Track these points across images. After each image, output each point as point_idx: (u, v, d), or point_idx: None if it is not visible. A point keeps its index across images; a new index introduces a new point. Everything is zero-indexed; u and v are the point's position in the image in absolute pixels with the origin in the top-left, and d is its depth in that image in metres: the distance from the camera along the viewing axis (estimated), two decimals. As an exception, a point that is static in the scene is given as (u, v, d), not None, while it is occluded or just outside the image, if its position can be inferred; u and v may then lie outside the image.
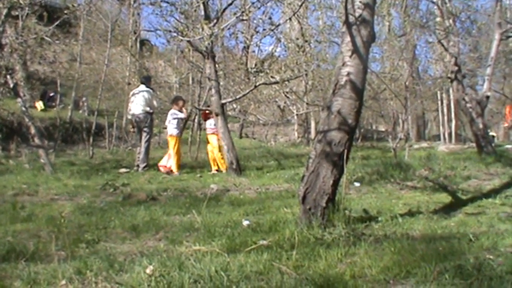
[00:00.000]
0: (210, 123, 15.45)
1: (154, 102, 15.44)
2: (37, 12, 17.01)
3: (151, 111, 15.11)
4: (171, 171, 14.14)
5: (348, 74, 6.33)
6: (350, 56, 6.39)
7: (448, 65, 17.56)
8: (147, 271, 4.21)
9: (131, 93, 15.91)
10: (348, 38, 6.40)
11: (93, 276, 4.31)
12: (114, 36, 23.60)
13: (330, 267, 4.53)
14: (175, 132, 14.66)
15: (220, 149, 14.88)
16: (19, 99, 14.44)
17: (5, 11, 13.54)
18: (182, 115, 15.13)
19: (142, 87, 15.37)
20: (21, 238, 6.11)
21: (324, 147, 6.26)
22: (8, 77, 14.33)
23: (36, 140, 14.30)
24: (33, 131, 14.28)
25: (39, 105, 25.79)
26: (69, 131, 23.42)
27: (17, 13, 15.53)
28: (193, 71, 22.90)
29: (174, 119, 14.74)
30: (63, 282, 4.21)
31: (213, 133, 15.31)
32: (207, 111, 15.70)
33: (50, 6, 19.78)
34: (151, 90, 15.65)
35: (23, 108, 14.41)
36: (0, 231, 6.49)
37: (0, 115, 18.14)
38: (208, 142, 15.61)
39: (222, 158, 14.75)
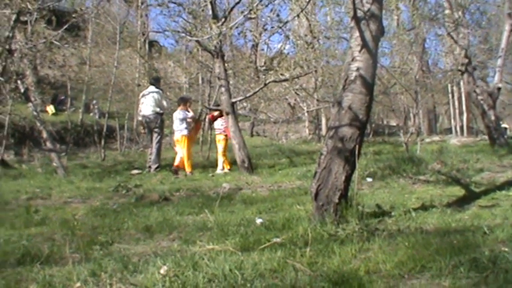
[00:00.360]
0: (218, 124, 15.45)
1: (164, 103, 15.43)
2: (46, 17, 17.08)
3: (161, 112, 15.13)
4: (177, 172, 14.07)
5: (358, 69, 6.31)
6: (359, 51, 6.37)
7: (458, 58, 17.52)
8: (161, 271, 4.21)
9: (141, 94, 15.93)
10: (357, 33, 6.37)
11: (108, 277, 4.31)
12: (123, 38, 23.65)
13: (344, 263, 4.51)
14: (186, 132, 14.63)
15: (224, 150, 14.95)
16: (30, 104, 14.50)
17: (14, 17, 13.59)
18: (191, 114, 15.10)
19: (152, 88, 15.39)
20: (36, 241, 6.12)
21: (335, 143, 6.24)
22: (19, 82, 14.40)
23: (48, 144, 14.36)
24: (45, 135, 14.34)
25: (50, 109, 25.91)
26: (81, 134, 23.53)
27: (25, 18, 15.58)
28: (202, 70, 22.89)
29: (184, 119, 14.69)
30: (78, 284, 4.21)
31: (220, 133, 15.34)
32: (213, 114, 15.74)
33: (58, 11, 19.90)
34: (160, 91, 15.66)
35: (34, 113, 14.46)
36: (15, 235, 6.51)
37: (12, 120, 18.22)
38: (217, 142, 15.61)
39: (226, 159, 15.02)
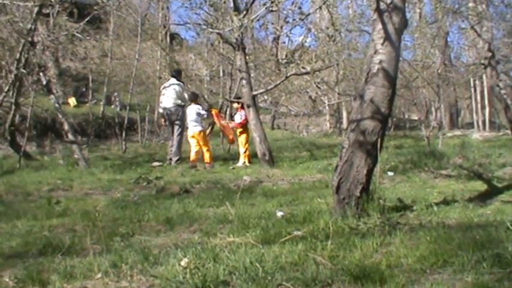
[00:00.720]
0: (237, 118, 15.41)
1: (186, 95, 15.44)
2: (67, 9, 17.18)
3: (182, 104, 15.15)
4: (194, 166, 14.06)
5: (380, 61, 6.27)
6: (382, 44, 6.32)
7: (482, 51, 17.34)
8: (182, 263, 4.21)
9: (162, 86, 15.96)
10: (380, 26, 6.32)
11: (129, 269, 4.33)
12: (144, 30, 23.68)
13: (366, 257, 4.49)
14: (200, 128, 14.67)
15: (245, 143, 14.96)
16: (52, 96, 14.58)
17: (36, 9, 13.65)
18: (204, 112, 15.09)
19: (173, 80, 15.43)
20: (57, 232, 6.17)
21: (357, 137, 6.21)
22: (41, 74, 14.48)
23: (70, 136, 14.44)
24: (66, 127, 14.42)
25: (72, 101, 26.04)
26: (102, 126, 23.67)
27: (47, 11, 15.68)
28: (223, 63, 22.93)
29: (200, 114, 14.68)
30: (99, 275, 4.23)
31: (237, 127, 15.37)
32: (217, 111, 15.85)
33: (80, 3, 19.98)
34: (182, 84, 15.70)
35: (56, 105, 14.54)
36: (36, 226, 6.56)
37: (34, 112, 18.32)
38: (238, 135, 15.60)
39: (245, 152, 14.97)
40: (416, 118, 32.93)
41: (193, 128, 14.71)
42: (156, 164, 14.57)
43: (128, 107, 21.73)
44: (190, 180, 10.96)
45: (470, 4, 17.07)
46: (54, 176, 12.16)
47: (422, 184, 9.51)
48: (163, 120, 15.85)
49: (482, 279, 3.85)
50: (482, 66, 17.05)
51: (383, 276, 3.94)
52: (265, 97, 27.83)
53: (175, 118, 14.95)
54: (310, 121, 33.29)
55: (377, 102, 6.19)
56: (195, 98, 15.28)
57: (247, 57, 15.00)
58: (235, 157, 15.81)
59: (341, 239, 5.02)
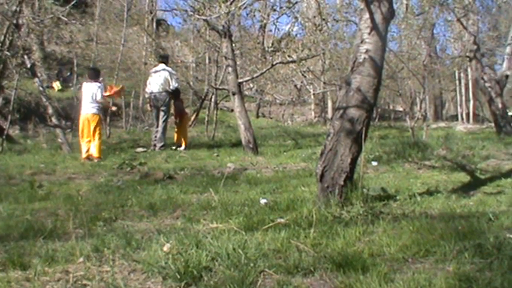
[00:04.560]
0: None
1: (174, 82, 15.34)
2: (54, -8, 17.04)
3: (169, 90, 15.09)
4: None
5: (367, 51, 6.27)
6: (369, 33, 6.32)
7: (467, 44, 17.45)
8: (165, 249, 4.21)
9: (153, 70, 15.74)
10: (367, 15, 6.31)
11: (111, 253, 4.32)
12: (131, 16, 23.54)
13: (348, 246, 4.51)
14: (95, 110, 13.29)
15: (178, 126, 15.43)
16: (36, 80, 14.50)
17: (22, -9, 13.55)
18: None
19: (163, 66, 15.37)
20: (40, 216, 6.15)
21: (342, 125, 6.21)
22: (26, 57, 14.39)
23: (54, 120, 14.39)
24: (50, 111, 14.35)
25: (57, 85, 25.86)
26: (86, 111, 23.50)
27: (33, -7, 15.56)
28: (210, 50, 22.82)
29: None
30: (81, 259, 4.22)
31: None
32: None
33: (66, -14, 19.80)
34: (173, 71, 15.67)
35: (41, 88, 14.47)
36: (18, 209, 6.54)
37: (18, 95, 18.19)
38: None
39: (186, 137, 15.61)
40: (401, 109, 32.97)
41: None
42: (140, 149, 14.55)
43: (113, 93, 21.61)
44: (174, 166, 10.97)
45: (457, -3, 17.13)
46: (37, 159, 12.13)
47: (406, 174, 9.55)
48: (149, 105, 15.79)
49: (464, 269, 3.88)
50: (468, 59, 17.18)
51: (365, 264, 3.96)
52: (251, 85, 27.78)
53: (161, 104, 14.91)
54: (295, 110, 33.28)
55: (363, 91, 6.19)
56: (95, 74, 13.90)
57: (233, 45, 14.99)
58: (219, 144, 15.86)
59: (324, 227, 5.04)
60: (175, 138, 15.65)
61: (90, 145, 12.87)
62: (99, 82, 13.58)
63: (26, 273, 3.98)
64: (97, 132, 12.99)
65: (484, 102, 25.12)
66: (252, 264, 3.94)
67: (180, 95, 15.95)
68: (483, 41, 19.12)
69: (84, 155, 12.72)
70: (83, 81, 14.19)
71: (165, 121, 15.02)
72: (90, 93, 13.10)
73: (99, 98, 13.10)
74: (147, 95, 15.84)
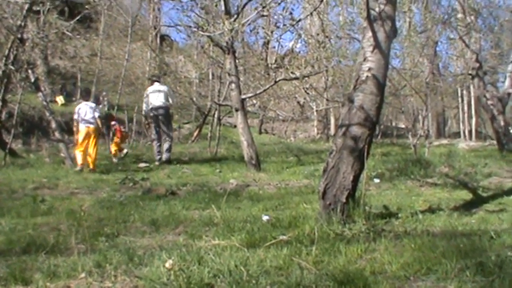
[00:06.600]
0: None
1: (172, 99, 15.46)
2: (58, 7, 17.12)
3: (171, 104, 15.20)
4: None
5: (369, 69, 6.30)
6: (371, 52, 6.36)
7: (469, 62, 17.47)
8: (167, 265, 4.20)
9: (150, 89, 15.68)
10: (370, 33, 6.35)
11: (113, 269, 4.33)
12: (135, 31, 23.70)
13: (350, 263, 4.51)
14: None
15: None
16: (40, 94, 14.54)
17: (26, 6, 13.62)
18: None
19: (157, 84, 15.46)
20: (42, 231, 6.15)
21: (344, 142, 6.23)
22: (30, 71, 14.43)
23: (57, 134, 14.42)
24: (53, 125, 14.38)
25: (60, 99, 25.94)
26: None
27: (38, 8, 15.59)
28: (213, 66, 22.88)
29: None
30: (83, 275, 4.22)
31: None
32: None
33: (71, 2, 20.00)
34: (170, 89, 15.79)
35: (44, 103, 14.50)
36: (20, 224, 6.54)
37: (21, 109, 18.22)
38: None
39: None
40: (403, 126, 33.07)
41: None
42: (142, 165, 14.54)
43: (116, 107, 21.68)
44: (177, 182, 10.96)
45: (460, 15, 17.21)
46: (39, 174, 12.11)
47: (408, 192, 9.55)
48: (147, 121, 15.85)
49: (465, 287, 3.87)
50: (470, 77, 17.20)
51: (367, 282, 3.96)
52: (254, 101, 27.81)
53: (164, 118, 14.93)
54: (298, 126, 33.36)
55: (365, 109, 6.22)
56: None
57: (237, 61, 15.01)
58: (222, 160, 15.87)
59: (326, 245, 5.04)
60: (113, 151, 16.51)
61: (85, 156, 13.38)
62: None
63: (28, 289, 4.00)
64: (95, 145, 13.64)
65: (487, 120, 25.14)
66: (253, 282, 3.95)
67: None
68: (485, 58, 19.15)
69: (80, 161, 13.15)
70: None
71: (171, 132, 15.18)
72: (90, 110, 13.76)
73: (97, 116, 13.76)
74: (144, 112, 15.84)
